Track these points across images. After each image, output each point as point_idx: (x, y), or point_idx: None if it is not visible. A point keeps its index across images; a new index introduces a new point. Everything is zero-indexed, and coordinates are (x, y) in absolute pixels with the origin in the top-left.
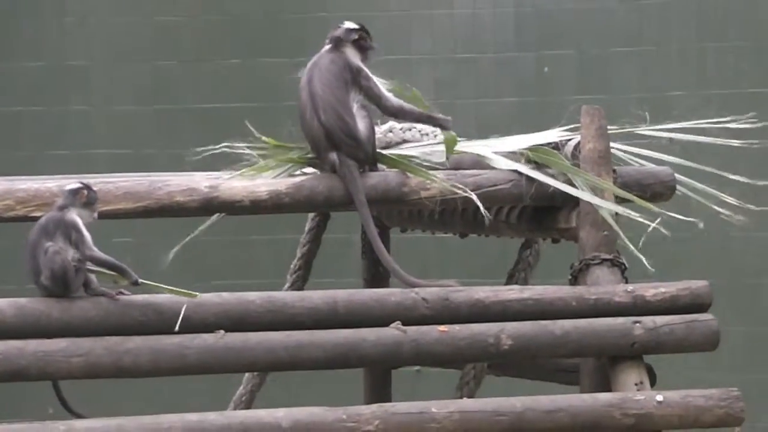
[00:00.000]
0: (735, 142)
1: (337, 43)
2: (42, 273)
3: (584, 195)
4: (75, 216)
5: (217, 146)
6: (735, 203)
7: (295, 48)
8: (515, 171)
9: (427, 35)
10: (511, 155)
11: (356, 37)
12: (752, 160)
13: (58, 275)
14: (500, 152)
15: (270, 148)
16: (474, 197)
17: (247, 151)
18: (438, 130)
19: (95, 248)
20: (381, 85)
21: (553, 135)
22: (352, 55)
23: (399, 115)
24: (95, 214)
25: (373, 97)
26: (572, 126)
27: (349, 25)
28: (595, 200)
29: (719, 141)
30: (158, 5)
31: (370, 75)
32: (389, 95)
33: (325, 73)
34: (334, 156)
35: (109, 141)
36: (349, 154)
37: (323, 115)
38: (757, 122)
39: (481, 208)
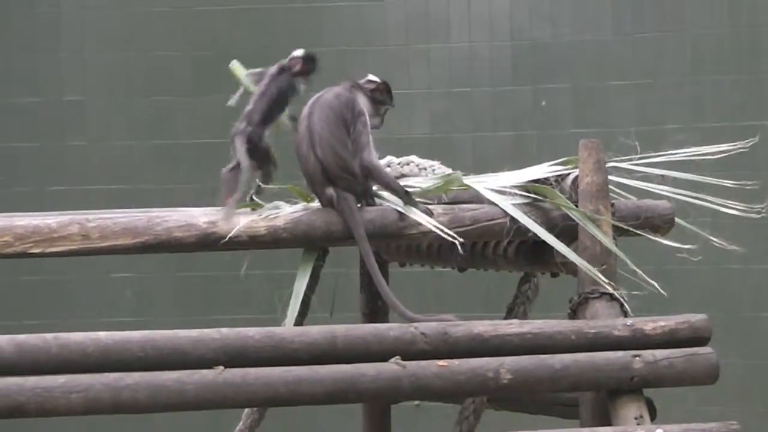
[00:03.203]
0: (729, 182)
1: (352, 85)
2: None
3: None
4: None
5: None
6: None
7: None
8: (513, 205)
9: (423, 68)
10: (507, 191)
11: (373, 87)
12: (746, 194)
13: None
14: (495, 188)
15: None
16: (451, 234)
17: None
18: (436, 165)
19: None
20: (371, 140)
21: (549, 169)
22: (362, 100)
23: (372, 172)
24: None
25: (358, 142)
26: (566, 159)
27: (373, 77)
28: (595, 232)
29: (714, 180)
30: (154, 40)
31: (368, 124)
32: (373, 152)
33: (325, 108)
34: (331, 191)
35: (106, 176)
36: (347, 188)
37: (320, 150)
38: (747, 149)
39: (459, 246)
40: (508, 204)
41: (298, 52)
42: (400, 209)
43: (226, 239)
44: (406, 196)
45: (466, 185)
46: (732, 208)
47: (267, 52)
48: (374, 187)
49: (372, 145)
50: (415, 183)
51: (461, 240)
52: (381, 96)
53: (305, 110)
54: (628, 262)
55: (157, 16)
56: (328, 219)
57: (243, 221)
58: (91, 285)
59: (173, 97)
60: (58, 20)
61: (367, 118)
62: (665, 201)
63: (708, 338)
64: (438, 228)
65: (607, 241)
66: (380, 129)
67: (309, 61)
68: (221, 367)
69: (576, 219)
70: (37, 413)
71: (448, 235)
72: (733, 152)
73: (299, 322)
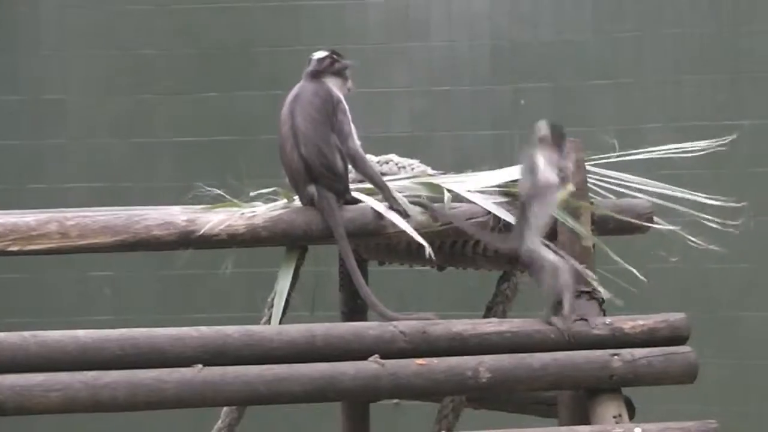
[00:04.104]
0: (702, 196)
1: (316, 75)
2: None
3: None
4: None
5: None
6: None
7: (271, 81)
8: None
9: (403, 67)
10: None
11: (328, 62)
12: (726, 191)
13: None
14: (475, 189)
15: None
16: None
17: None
18: (415, 164)
19: None
20: (353, 126)
21: None
22: (333, 84)
23: (356, 161)
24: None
25: (342, 132)
26: None
27: (318, 54)
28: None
29: (689, 195)
30: (134, 39)
31: (347, 111)
32: (356, 140)
33: (307, 107)
34: (312, 189)
35: (86, 174)
36: (328, 187)
37: (304, 148)
38: (724, 147)
39: (427, 248)
40: (490, 203)
41: None
42: (378, 208)
43: (205, 237)
44: (387, 192)
45: (448, 190)
46: (713, 200)
47: (247, 50)
48: (383, 158)
49: (355, 134)
50: (394, 181)
51: (427, 244)
52: (339, 65)
53: (285, 110)
54: (611, 253)
55: (138, 15)
56: (308, 218)
57: (222, 218)
58: (70, 283)
59: (153, 95)
60: (38, 19)
61: (345, 103)
62: (644, 200)
63: (687, 337)
64: (411, 229)
65: (586, 232)
66: (363, 133)
67: None
68: (200, 366)
69: (556, 216)
70: (16, 411)
71: (422, 235)
72: (710, 150)
73: (279, 321)
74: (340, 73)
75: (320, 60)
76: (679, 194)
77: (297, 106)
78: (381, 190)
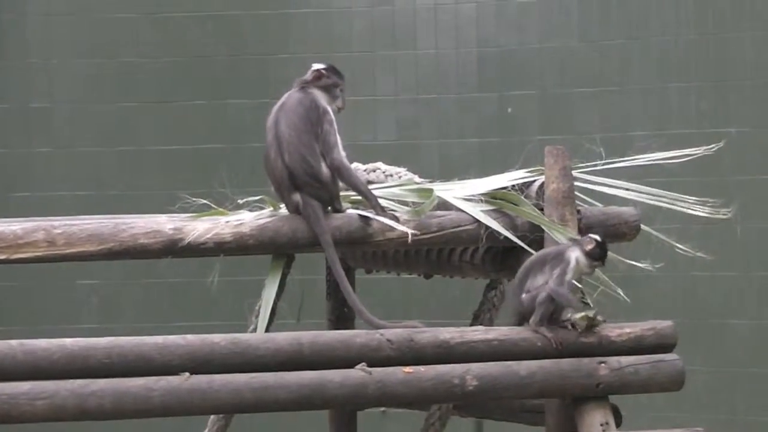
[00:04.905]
0: (690, 200)
1: (305, 85)
2: None
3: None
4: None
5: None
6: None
7: (258, 89)
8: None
9: (390, 75)
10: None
11: (317, 75)
12: (713, 198)
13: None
14: (463, 197)
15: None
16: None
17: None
18: (402, 172)
19: None
20: (339, 138)
21: (516, 176)
22: (320, 96)
23: (341, 172)
24: None
25: (327, 143)
26: (535, 169)
27: (315, 66)
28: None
29: (677, 207)
30: (120, 47)
31: (334, 122)
32: (342, 152)
33: (291, 115)
34: (297, 197)
35: (73, 183)
36: (313, 195)
37: (287, 156)
38: (711, 154)
39: (409, 232)
40: (478, 211)
41: None
42: (365, 215)
43: (192, 245)
44: (373, 200)
45: (438, 197)
46: (701, 204)
47: (234, 58)
48: (370, 166)
49: (340, 145)
50: (380, 189)
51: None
52: (330, 80)
53: (271, 119)
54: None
55: (124, 23)
56: (295, 226)
57: (209, 227)
58: (56, 291)
59: (140, 103)
60: (24, 27)
61: (332, 115)
62: (631, 207)
63: (674, 345)
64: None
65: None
66: (349, 141)
67: None
68: (187, 374)
69: (542, 226)
70: (2, 420)
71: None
72: (696, 156)
73: (266, 329)
74: (328, 89)
75: (312, 71)
76: (666, 199)
77: (282, 115)
78: (368, 199)
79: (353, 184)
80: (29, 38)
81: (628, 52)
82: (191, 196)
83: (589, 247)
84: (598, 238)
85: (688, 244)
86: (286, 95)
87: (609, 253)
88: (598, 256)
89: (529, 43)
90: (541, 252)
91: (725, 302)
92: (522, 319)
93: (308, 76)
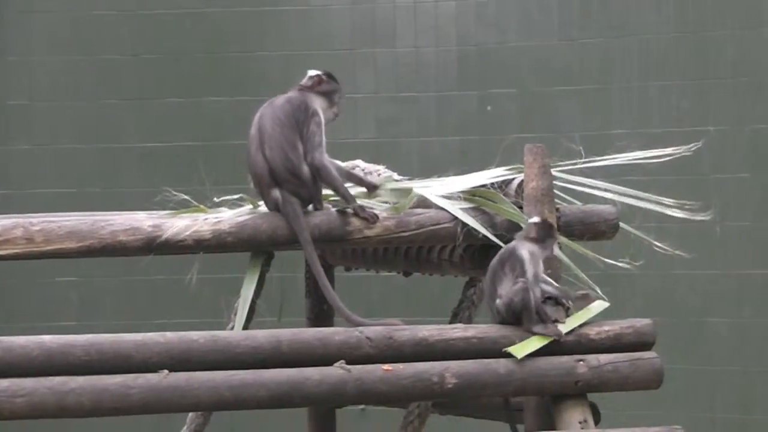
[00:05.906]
0: (669, 202)
1: (301, 89)
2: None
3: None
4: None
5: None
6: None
7: (237, 86)
8: (462, 210)
9: (369, 73)
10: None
11: (316, 80)
12: (692, 197)
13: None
14: (443, 194)
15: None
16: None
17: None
18: (381, 169)
19: None
20: (324, 141)
21: (495, 174)
22: (314, 99)
23: (320, 171)
24: None
25: (311, 142)
26: (515, 167)
27: (312, 72)
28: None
29: (652, 206)
30: (100, 44)
31: (322, 125)
32: (325, 153)
33: (277, 111)
34: (277, 193)
35: (52, 180)
36: (293, 192)
37: (268, 150)
38: (690, 153)
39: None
40: (457, 209)
41: None
42: (344, 212)
43: (171, 243)
44: (351, 200)
45: (418, 195)
46: (679, 204)
47: (212, 56)
48: (350, 164)
49: (324, 147)
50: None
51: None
52: (328, 86)
53: (257, 114)
54: (572, 266)
55: (103, 20)
56: (274, 223)
57: (188, 224)
58: (35, 289)
59: (119, 100)
60: (3, 24)
61: (322, 118)
62: (610, 206)
63: (652, 343)
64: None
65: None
66: (329, 139)
67: None
68: (166, 371)
69: (521, 224)
70: None
71: (387, 241)
72: (676, 156)
73: (245, 326)
74: (326, 95)
75: (310, 77)
76: (645, 200)
77: (268, 110)
78: (346, 200)
79: (333, 185)
80: (8, 35)
81: (608, 50)
82: (171, 193)
83: (532, 234)
84: (536, 219)
85: (667, 242)
86: (278, 96)
87: (554, 225)
88: (545, 236)
89: (509, 41)
90: (497, 255)
91: (704, 300)
92: (502, 321)
93: (307, 81)
